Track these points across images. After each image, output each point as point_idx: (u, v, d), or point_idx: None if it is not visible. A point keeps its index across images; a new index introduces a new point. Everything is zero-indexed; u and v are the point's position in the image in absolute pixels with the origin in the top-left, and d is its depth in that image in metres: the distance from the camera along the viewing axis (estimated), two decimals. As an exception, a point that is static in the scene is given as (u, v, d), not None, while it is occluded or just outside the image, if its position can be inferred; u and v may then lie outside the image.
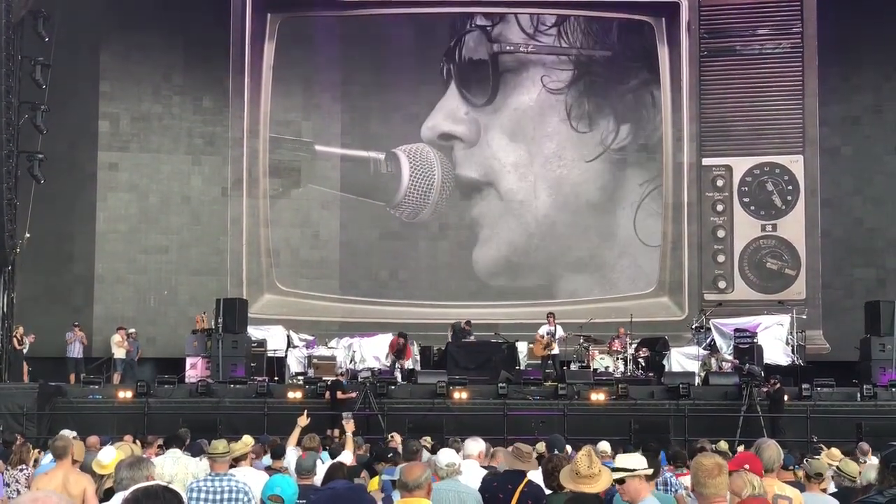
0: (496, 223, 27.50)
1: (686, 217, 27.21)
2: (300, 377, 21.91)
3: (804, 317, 24.29)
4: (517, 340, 23.11)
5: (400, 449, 9.52)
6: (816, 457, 9.55)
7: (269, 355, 22.76)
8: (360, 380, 19.82)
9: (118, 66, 26.37)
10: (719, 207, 27.28)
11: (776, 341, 23.30)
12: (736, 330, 22.74)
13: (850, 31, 26.15)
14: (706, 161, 27.31)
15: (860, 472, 7.97)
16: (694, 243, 27.16)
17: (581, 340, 22.79)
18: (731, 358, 22.05)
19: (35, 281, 24.30)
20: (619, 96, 27.58)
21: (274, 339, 23.37)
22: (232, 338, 21.51)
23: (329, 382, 19.84)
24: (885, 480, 5.23)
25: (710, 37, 27.36)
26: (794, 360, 23.03)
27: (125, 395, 19.90)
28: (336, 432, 17.04)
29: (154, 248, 26.25)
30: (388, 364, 22.11)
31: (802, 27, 26.98)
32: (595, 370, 21.62)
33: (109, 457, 7.87)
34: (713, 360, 22.16)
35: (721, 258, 27.16)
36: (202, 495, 6.65)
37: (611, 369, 21.87)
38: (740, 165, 27.22)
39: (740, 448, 13.21)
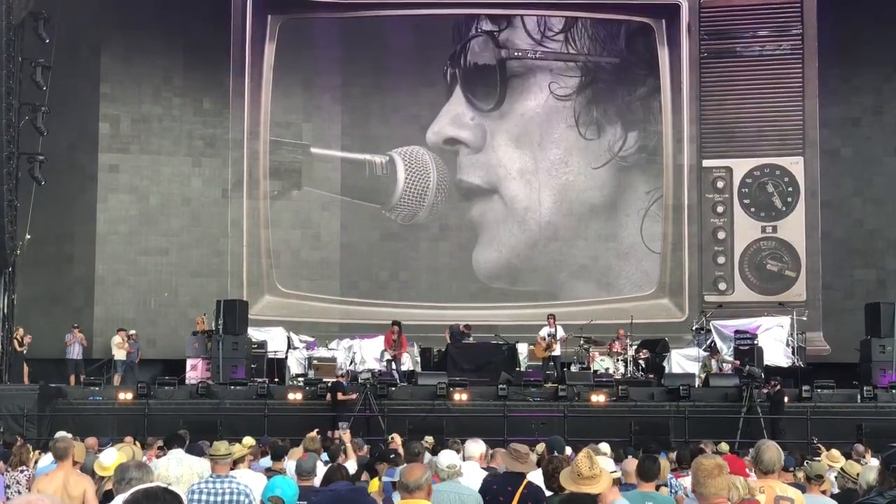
0: (498, 227, 27.47)
1: (686, 219, 27.21)
2: (300, 378, 21.92)
3: (804, 318, 24.31)
4: (517, 342, 23.10)
5: (401, 450, 9.52)
6: (816, 458, 9.56)
7: (269, 357, 22.76)
8: (360, 381, 19.83)
9: (118, 67, 26.39)
10: (719, 209, 27.28)
11: (776, 343, 23.31)
12: (736, 331, 22.75)
13: (850, 33, 26.17)
14: (706, 163, 27.31)
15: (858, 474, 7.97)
16: (694, 245, 27.16)
17: (581, 342, 22.79)
18: (731, 359, 22.04)
19: (35, 282, 24.31)
20: (627, 104, 27.57)
21: (274, 340, 23.38)
22: (232, 339, 21.51)
23: (329, 384, 19.85)
24: (885, 482, 5.24)
25: (710, 38, 27.37)
26: (794, 362, 23.03)
27: (125, 396, 19.89)
28: (336, 434, 17.06)
29: (154, 249, 26.26)
30: (385, 361, 21.97)
31: (802, 29, 26.99)
32: (595, 372, 21.61)
33: (111, 458, 7.87)
34: (713, 362, 22.16)
35: (721, 260, 27.16)
36: (203, 497, 6.64)
37: (611, 371, 21.87)
38: (740, 167, 27.22)
39: (744, 450, 13.22)
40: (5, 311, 21.75)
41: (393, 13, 27.89)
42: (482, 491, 6.91)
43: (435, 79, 27.73)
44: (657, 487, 7.52)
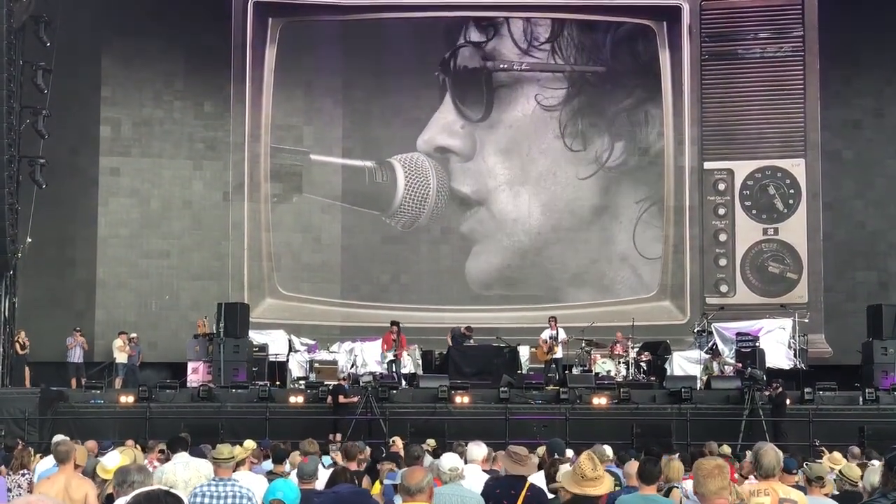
0: (489, 238, 27.36)
1: (688, 221, 27.18)
2: (302, 381, 21.91)
3: (806, 320, 24.28)
4: (519, 344, 23.09)
5: (402, 453, 9.52)
6: (818, 460, 9.56)
7: (270, 360, 22.74)
8: (361, 384, 19.81)
9: (119, 70, 26.40)
10: (721, 211, 27.26)
11: (778, 345, 23.28)
12: (738, 334, 22.73)
13: (851, 35, 26.14)
14: (708, 165, 27.28)
15: (861, 476, 7.96)
16: (696, 247, 27.13)
17: (583, 344, 22.77)
18: (733, 362, 22.02)
19: (37, 285, 24.31)
20: (613, 114, 27.50)
21: (275, 343, 23.36)
22: (233, 342, 21.52)
23: (331, 387, 19.84)
24: (889, 483, 5.22)
25: (711, 41, 27.35)
26: (796, 364, 23.00)
27: (127, 399, 19.90)
28: (338, 436, 17.07)
29: (155, 252, 26.25)
30: (386, 362, 21.92)
31: (804, 31, 26.97)
32: (597, 374, 21.60)
33: (114, 461, 7.87)
34: (715, 364, 22.13)
35: (723, 262, 27.13)
36: (206, 500, 6.62)
37: (612, 373, 21.86)
38: (742, 169, 27.19)
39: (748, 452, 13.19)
40: (6, 314, 21.75)
41: (393, 16, 27.90)
42: (484, 494, 6.90)
43: (435, 82, 27.73)
44: (670, 490, 7.50)
